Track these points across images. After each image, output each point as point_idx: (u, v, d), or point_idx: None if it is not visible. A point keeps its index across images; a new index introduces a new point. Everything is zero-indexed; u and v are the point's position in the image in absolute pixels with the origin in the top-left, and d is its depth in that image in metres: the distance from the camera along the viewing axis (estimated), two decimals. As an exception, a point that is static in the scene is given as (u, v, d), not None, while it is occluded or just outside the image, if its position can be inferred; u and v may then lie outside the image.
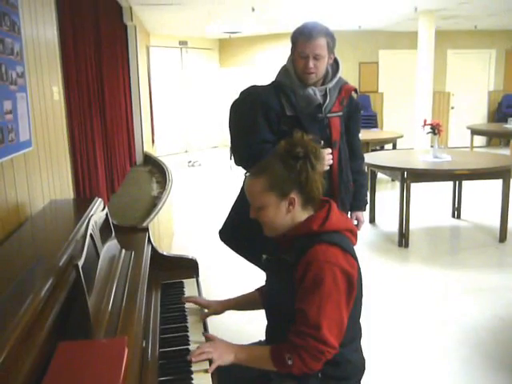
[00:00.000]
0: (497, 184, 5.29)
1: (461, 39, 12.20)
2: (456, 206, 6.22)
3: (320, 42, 2.36)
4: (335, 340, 1.55)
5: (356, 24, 10.73)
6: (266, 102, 2.43)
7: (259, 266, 2.38)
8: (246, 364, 1.63)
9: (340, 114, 2.55)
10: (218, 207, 7.03)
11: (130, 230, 2.32)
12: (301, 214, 1.70)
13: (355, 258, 1.66)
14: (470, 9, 8.87)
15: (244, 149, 2.48)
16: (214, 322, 1.99)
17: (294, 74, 2.47)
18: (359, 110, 2.77)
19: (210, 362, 1.58)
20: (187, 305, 1.99)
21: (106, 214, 1.99)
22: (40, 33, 2.72)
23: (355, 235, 1.75)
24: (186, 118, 12.69)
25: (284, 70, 2.54)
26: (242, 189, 2.51)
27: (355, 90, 2.65)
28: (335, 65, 2.57)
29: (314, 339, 1.53)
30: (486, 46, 12.40)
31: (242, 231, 2.51)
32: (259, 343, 1.93)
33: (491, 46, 12.42)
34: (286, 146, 1.69)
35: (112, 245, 1.87)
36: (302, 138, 1.70)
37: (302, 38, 2.38)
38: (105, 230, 1.89)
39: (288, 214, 1.68)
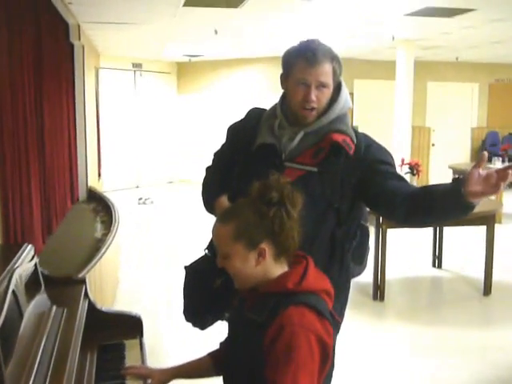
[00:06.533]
0: (481, 230, 5.39)
1: (442, 71, 12.64)
2: (437, 254, 6.29)
3: (326, 67, 2.05)
4: None
5: (329, 51, 10.99)
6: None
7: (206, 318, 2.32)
8: None
9: (309, 169, 2.09)
10: (172, 252, 6.95)
11: (63, 281, 2.25)
12: (273, 268, 1.67)
13: (331, 324, 1.64)
14: (450, 39, 9.22)
15: None
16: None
17: (280, 112, 2.16)
18: (380, 161, 2.12)
19: None
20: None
21: (35, 265, 1.92)
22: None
23: (332, 298, 1.73)
24: (138, 148, 12.64)
25: (274, 105, 2.25)
26: None
27: (343, 143, 2.07)
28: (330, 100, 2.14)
29: None
30: (468, 79, 12.88)
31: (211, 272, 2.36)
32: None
33: (473, 79, 12.91)
34: (260, 188, 1.67)
35: (40, 301, 1.80)
36: (278, 180, 1.68)
37: (303, 60, 2.04)
38: (33, 283, 1.83)
39: (258, 266, 1.65)
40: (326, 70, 2.04)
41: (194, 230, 7.56)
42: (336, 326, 1.80)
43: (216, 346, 1.96)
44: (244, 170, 2.12)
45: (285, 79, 2.14)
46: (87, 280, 2.32)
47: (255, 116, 2.24)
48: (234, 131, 2.31)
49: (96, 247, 4.48)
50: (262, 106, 2.34)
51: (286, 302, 1.59)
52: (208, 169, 2.42)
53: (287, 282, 1.63)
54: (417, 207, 1.99)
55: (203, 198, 2.34)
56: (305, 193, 1.74)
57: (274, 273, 1.67)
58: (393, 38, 9.03)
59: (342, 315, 2.20)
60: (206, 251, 2.29)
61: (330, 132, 2.09)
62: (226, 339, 1.89)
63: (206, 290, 2.19)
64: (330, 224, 2.11)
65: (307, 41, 2.10)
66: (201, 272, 2.26)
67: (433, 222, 2.01)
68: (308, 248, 1.82)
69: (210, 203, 2.22)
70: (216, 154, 2.42)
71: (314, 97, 2.04)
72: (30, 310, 1.66)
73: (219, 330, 2.13)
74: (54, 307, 1.89)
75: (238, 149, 2.22)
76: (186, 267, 2.33)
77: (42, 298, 1.85)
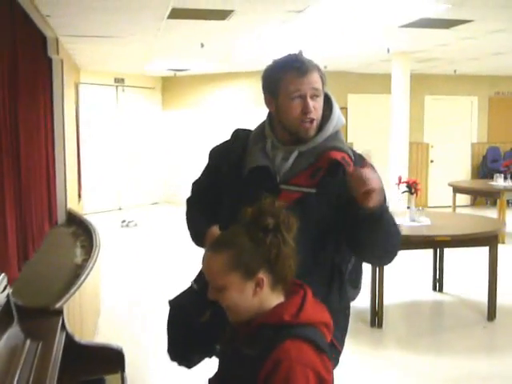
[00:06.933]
0: (483, 251, 5.39)
1: (439, 84, 12.74)
2: (437, 277, 6.28)
3: (315, 76, 2.09)
4: None
5: (321, 64, 11.05)
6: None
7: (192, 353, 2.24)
8: None
9: (306, 190, 2.05)
10: (157, 279, 6.90)
11: (39, 312, 2.22)
12: (270, 298, 1.66)
13: (330, 359, 1.63)
14: (447, 51, 9.31)
15: None
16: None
17: (270, 132, 2.16)
18: None
19: None
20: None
21: (8, 296, 1.89)
22: None
23: (330, 330, 1.72)
24: (120, 168, 12.62)
25: (261, 125, 2.24)
26: None
27: (342, 160, 2.06)
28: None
29: None
30: (467, 93, 12.99)
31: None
32: None
33: (472, 92, 13.02)
34: (254, 214, 1.65)
35: (13, 335, 1.78)
36: (272, 204, 1.66)
37: (293, 72, 2.05)
38: (5, 315, 1.80)
39: (255, 296, 1.64)
40: (316, 79, 2.08)
41: (180, 255, 7.52)
42: (336, 356, 1.77)
43: (205, 382, 1.93)
44: (236, 196, 2.06)
45: (272, 98, 2.11)
46: (65, 310, 2.30)
47: (241, 137, 2.22)
48: (218, 155, 2.27)
49: (75, 274, 4.43)
50: (246, 126, 2.32)
51: (283, 335, 1.57)
52: (189, 200, 2.36)
53: (283, 314, 1.62)
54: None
55: (191, 233, 2.28)
56: (303, 216, 1.75)
57: (270, 303, 1.66)
58: (388, 51, 9.10)
59: (342, 343, 2.17)
60: (193, 283, 2.22)
61: (327, 150, 2.08)
62: (216, 374, 1.85)
63: (192, 327, 2.14)
64: (330, 248, 2.09)
65: (289, 54, 2.13)
66: (186, 307, 2.19)
67: (374, 248, 1.96)
68: (308, 275, 1.80)
69: (199, 236, 2.14)
70: (196, 184, 2.37)
71: (312, 107, 2.04)
72: (2, 344, 1.63)
73: (208, 364, 2.10)
74: (28, 341, 1.87)
75: (224, 173, 2.18)
76: (169, 301, 2.25)
77: (14, 331, 1.82)
